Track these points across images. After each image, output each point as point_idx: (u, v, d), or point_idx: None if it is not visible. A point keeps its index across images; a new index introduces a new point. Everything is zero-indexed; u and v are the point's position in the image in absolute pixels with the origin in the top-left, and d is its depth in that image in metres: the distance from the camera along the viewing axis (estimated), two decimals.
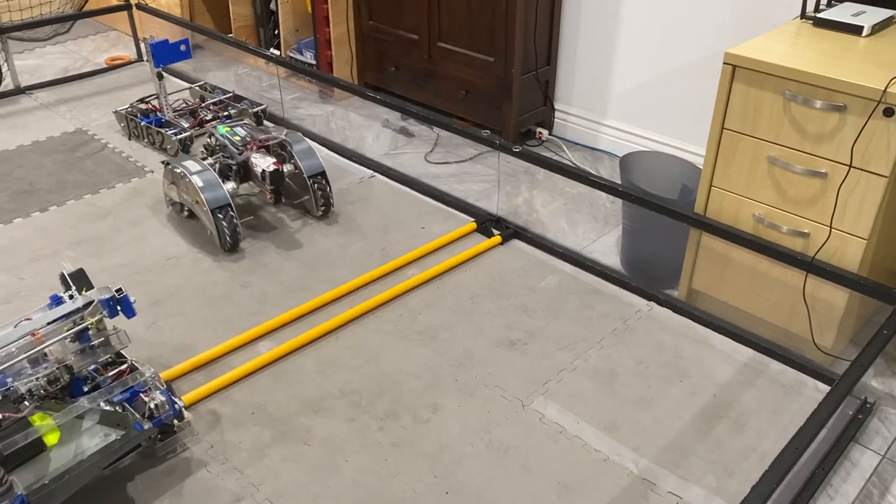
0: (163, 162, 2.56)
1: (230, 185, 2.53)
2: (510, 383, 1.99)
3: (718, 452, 1.79)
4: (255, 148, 2.53)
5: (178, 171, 2.46)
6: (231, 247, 2.46)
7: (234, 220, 2.43)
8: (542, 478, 1.73)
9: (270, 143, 2.58)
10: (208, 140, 2.69)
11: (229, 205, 2.42)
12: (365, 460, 1.77)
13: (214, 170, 2.50)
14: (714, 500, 1.67)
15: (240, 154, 2.52)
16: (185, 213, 2.62)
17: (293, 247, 2.54)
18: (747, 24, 2.56)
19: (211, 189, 2.40)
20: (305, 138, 2.66)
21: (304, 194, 2.64)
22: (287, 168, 2.58)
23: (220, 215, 2.40)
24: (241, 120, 2.75)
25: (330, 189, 2.63)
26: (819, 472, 1.73)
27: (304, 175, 2.59)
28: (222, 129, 2.63)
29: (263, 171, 2.45)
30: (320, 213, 2.64)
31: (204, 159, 2.60)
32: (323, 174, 2.61)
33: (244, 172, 2.57)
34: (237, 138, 2.57)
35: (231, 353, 2.09)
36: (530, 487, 1.71)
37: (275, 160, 2.48)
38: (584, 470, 1.75)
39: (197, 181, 2.40)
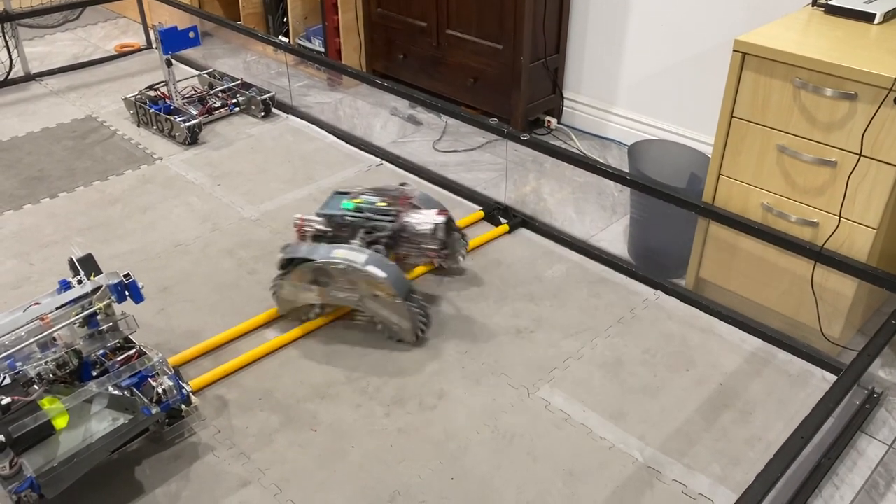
0: (285, 259, 2.04)
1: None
2: (516, 371, 1.99)
3: (724, 441, 1.79)
4: (406, 207, 2.13)
5: (340, 266, 1.97)
6: (423, 333, 2.07)
7: (423, 302, 2.05)
8: (547, 465, 1.73)
9: (414, 197, 2.19)
10: (321, 228, 2.12)
11: (412, 287, 2.05)
12: (371, 446, 1.78)
13: (375, 250, 2.05)
14: (719, 489, 1.67)
15: (395, 220, 2.10)
16: (311, 316, 2.14)
17: None
18: (758, 12, 2.54)
19: (396, 276, 1.99)
20: (418, 188, 2.29)
21: (452, 234, 2.28)
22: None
23: (411, 303, 2.01)
24: (358, 189, 2.21)
25: (463, 233, 2.31)
26: (825, 461, 1.72)
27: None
28: (348, 203, 2.13)
29: (436, 224, 2.08)
30: (462, 257, 2.31)
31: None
32: (451, 220, 2.23)
33: (392, 243, 2.13)
34: (381, 204, 2.13)
35: (239, 339, 2.10)
36: (535, 474, 1.71)
37: (436, 209, 2.12)
38: (590, 458, 1.75)
39: (377, 272, 1.95)
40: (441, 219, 2.08)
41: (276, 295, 2.12)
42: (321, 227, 2.12)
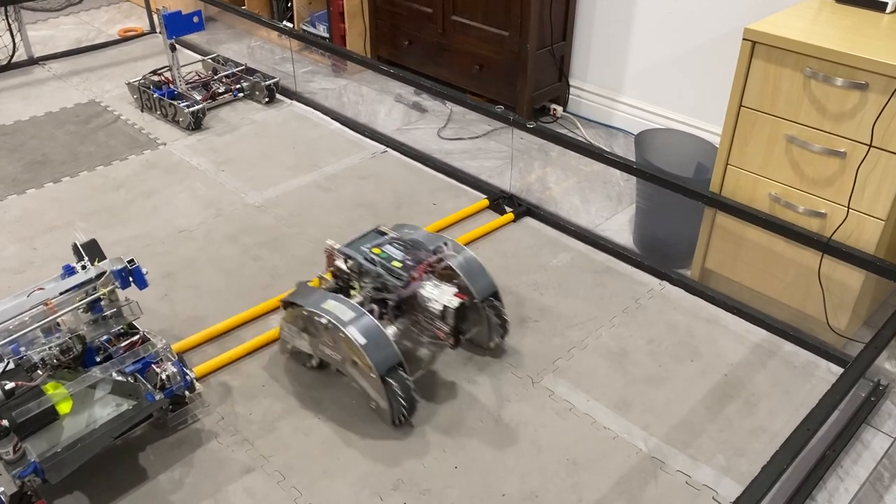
0: (284, 302, 1.86)
1: (391, 331, 1.81)
2: (521, 360, 1.98)
3: (729, 432, 1.79)
4: (422, 276, 1.83)
5: (322, 320, 1.74)
6: (405, 419, 1.78)
7: (409, 383, 1.75)
8: (551, 454, 1.73)
9: (438, 265, 1.90)
10: (339, 265, 1.91)
11: (402, 363, 1.75)
12: (375, 434, 1.78)
13: (370, 311, 1.80)
14: (723, 480, 1.67)
15: (405, 286, 1.81)
16: (313, 364, 1.94)
17: (305, 221, 2.54)
18: (768, 0, 2.51)
19: (377, 346, 1.72)
20: (465, 248, 1.96)
21: (472, 323, 1.96)
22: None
23: (391, 381, 1.72)
24: (389, 237, 1.95)
25: (505, 311, 1.97)
26: (830, 453, 1.72)
27: (476, 299, 1.91)
28: (371, 250, 1.90)
29: (445, 308, 1.76)
30: (493, 344, 2.00)
31: (337, 291, 1.90)
32: (496, 294, 1.95)
33: (403, 307, 1.87)
34: (396, 264, 1.85)
35: (243, 325, 2.10)
36: (539, 464, 1.71)
37: (455, 290, 1.80)
38: (594, 447, 1.75)
39: (356, 336, 1.70)
40: (453, 303, 1.76)
41: (280, 332, 1.94)
42: (341, 264, 1.92)
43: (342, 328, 1.71)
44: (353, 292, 1.90)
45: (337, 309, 1.76)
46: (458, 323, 1.79)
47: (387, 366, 1.72)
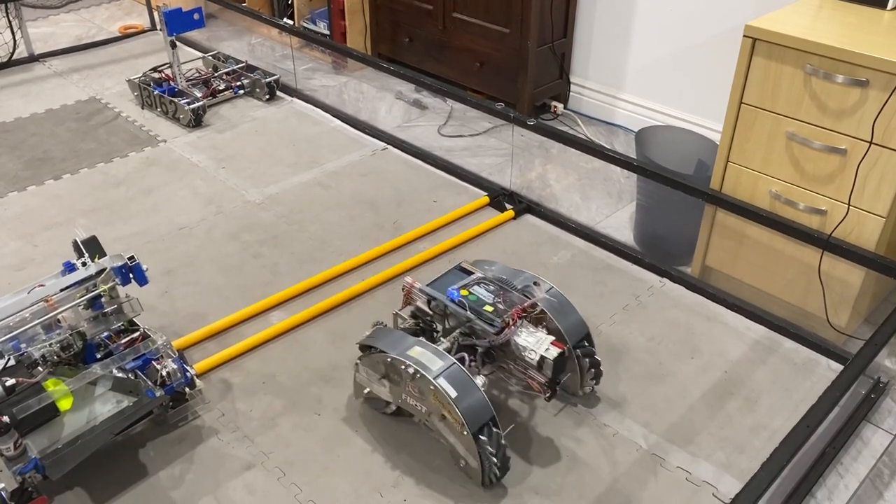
0: (361, 345, 1.74)
1: (480, 381, 1.63)
2: None
3: (729, 429, 1.79)
4: (516, 321, 1.69)
5: (409, 369, 1.60)
6: (497, 479, 1.64)
7: (502, 441, 1.60)
8: (550, 451, 1.73)
9: (532, 310, 1.76)
10: (421, 306, 1.81)
11: (494, 419, 1.59)
12: (375, 431, 1.78)
13: (462, 361, 1.64)
14: (723, 476, 1.67)
15: (498, 333, 1.68)
16: (390, 411, 1.81)
17: (305, 219, 2.54)
18: None
19: (471, 401, 1.56)
20: (552, 285, 1.81)
21: (566, 370, 1.79)
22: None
23: (484, 438, 1.57)
24: (476, 277, 1.83)
25: (597, 354, 1.83)
26: (830, 450, 1.72)
27: (569, 344, 1.77)
28: (456, 291, 1.77)
29: (543, 358, 1.64)
30: (587, 390, 1.86)
31: (414, 334, 1.75)
32: (588, 336, 1.80)
33: (495, 354, 1.76)
34: (488, 308, 1.72)
35: (243, 322, 2.10)
36: (539, 460, 1.71)
37: (552, 339, 1.67)
38: (593, 444, 1.75)
39: (447, 389, 1.55)
40: (552, 353, 1.63)
41: (355, 375, 1.80)
42: (422, 305, 1.80)
43: (431, 379, 1.57)
44: (436, 335, 1.79)
45: (425, 357, 1.61)
46: (557, 373, 1.66)
47: (480, 422, 1.57)
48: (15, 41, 3.63)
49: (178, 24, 3.05)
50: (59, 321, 1.65)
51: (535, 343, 1.65)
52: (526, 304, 1.74)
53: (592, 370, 1.81)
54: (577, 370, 1.80)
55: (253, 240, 2.43)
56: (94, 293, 1.68)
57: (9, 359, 1.56)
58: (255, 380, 1.92)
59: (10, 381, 1.52)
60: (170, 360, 1.72)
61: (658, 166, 2.21)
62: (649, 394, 1.88)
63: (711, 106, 2.82)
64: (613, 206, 2.64)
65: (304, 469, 1.69)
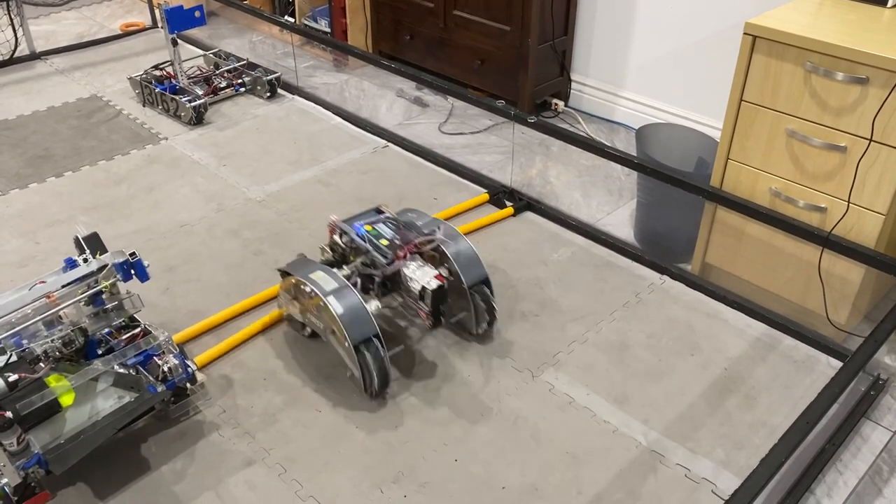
0: (280, 270, 1.97)
1: (373, 305, 1.88)
2: (521, 354, 1.99)
3: (728, 426, 1.79)
4: (408, 255, 1.88)
5: (307, 288, 1.83)
6: (378, 392, 1.84)
7: (383, 357, 1.80)
8: (550, 448, 1.74)
9: (426, 247, 1.94)
10: (336, 239, 2.01)
11: (377, 336, 1.80)
12: (376, 427, 1.79)
13: (354, 285, 1.89)
14: (723, 473, 1.68)
15: (389, 264, 1.88)
16: (307, 333, 2.03)
17: (306, 216, 2.54)
18: None
19: (353, 317, 1.77)
20: (460, 233, 2.00)
21: (460, 308, 2.01)
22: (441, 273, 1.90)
23: (365, 352, 1.78)
24: (384, 217, 2.03)
25: (494, 299, 2.00)
26: (829, 447, 1.72)
27: (464, 285, 1.95)
28: (362, 227, 1.97)
29: (424, 289, 1.82)
30: (481, 330, 2.03)
31: (330, 264, 1.99)
32: (486, 281, 1.98)
33: (390, 284, 1.95)
34: (384, 242, 1.92)
35: (243, 314, 2.10)
36: (539, 457, 1.71)
37: (437, 272, 1.85)
38: (593, 441, 1.75)
39: (335, 306, 1.77)
40: (432, 284, 1.81)
41: (278, 299, 2.03)
42: (337, 238, 1.99)
43: (322, 297, 1.79)
44: (345, 266, 1.98)
45: (322, 279, 1.83)
46: (436, 305, 1.84)
47: (361, 337, 1.77)
48: (17, 39, 3.63)
49: (179, 21, 3.06)
50: (60, 317, 1.66)
51: (420, 275, 1.84)
52: (419, 241, 1.92)
53: (486, 311, 1.98)
54: (471, 310, 1.97)
55: (254, 237, 2.44)
56: (95, 289, 1.69)
57: (11, 355, 1.57)
58: (255, 376, 1.92)
59: (13, 377, 1.52)
60: (171, 355, 1.72)
61: (658, 164, 2.21)
62: (649, 391, 1.88)
63: (712, 103, 2.83)
64: (614, 204, 2.64)
65: (304, 465, 1.70)
